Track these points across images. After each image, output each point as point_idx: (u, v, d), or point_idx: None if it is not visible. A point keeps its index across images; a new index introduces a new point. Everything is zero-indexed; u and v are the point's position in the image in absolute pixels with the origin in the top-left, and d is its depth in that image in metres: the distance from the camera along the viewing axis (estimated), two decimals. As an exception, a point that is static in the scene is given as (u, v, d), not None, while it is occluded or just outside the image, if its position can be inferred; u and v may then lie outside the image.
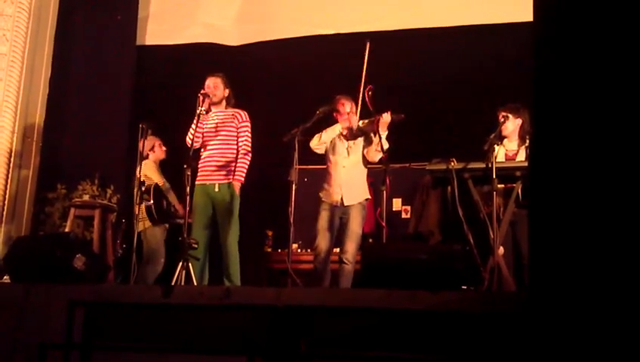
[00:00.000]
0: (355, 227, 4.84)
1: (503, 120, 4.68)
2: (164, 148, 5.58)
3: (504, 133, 4.76)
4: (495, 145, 4.43)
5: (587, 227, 1.87)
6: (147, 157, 5.43)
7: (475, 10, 6.16)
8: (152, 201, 5.14)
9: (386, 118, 4.76)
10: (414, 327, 2.65)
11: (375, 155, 4.87)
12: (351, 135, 4.98)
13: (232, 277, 4.79)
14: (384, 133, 4.77)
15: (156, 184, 5.27)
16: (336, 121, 5.06)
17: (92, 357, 2.99)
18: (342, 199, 4.88)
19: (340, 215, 4.90)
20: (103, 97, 6.67)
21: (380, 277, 3.39)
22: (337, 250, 5.04)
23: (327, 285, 4.88)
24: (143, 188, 5.11)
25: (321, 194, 4.95)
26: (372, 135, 4.89)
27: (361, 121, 4.94)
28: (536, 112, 2.08)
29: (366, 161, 4.99)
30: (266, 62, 6.71)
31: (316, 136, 5.01)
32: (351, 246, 4.80)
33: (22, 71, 6.32)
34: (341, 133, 5.02)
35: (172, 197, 5.36)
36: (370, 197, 5.05)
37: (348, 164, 4.97)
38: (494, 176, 4.23)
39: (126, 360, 3.02)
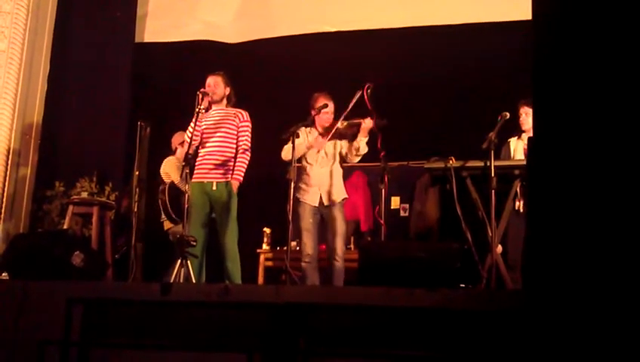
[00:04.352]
0: (340, 225, 4.85)
1: (524, 114, 4.76)
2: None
3: (524, 127, 4.82)
4: (513, 139, 4.45)
5: (584, 225, 1.88)
6: (175, 151, 5.48)
7: (475, 8, 6.18)
8: (167, 201, 5.14)
9: (368, 123, 4.74)
10: (413, 325, 2.66)
11: (353, 158, 4.90)
12: (328, 135, 4.96)
13: (233, 276, 4.78)
14: (364, 139, 4.77)
15: (172, 182, 5.28)
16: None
17: (90, 354, 2.99)
18: (321, 199, 4.87)
19: (320, 214, 4.90)
20: (102, 94, 6.68)
21: (379, 274, 3.40)
22: (322, 246, 5.03)
23: (318, 284, 4.87)
24: (161, 187, 5.16)
25: (298, 195, 4.89)
26: (350, 137, 4.87)
27: (340, 122, 4.90)
28: (535, 111, 2.09)
29: (342, 161, 4.98)
30: (264, 60, 6.71)
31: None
32: (339, 244, 4.81)
33: (20, 68, 6.33)
34: (319, 133, 4.99)
35: None
36: (347, 196, 5.05)
37: (325, 164, 4.95)
38: (493, 175, 4.23)
39: (124, 357, 3.02)
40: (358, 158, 4.89)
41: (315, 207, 4.88)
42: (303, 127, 4.91)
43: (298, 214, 4.85)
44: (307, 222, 4.85)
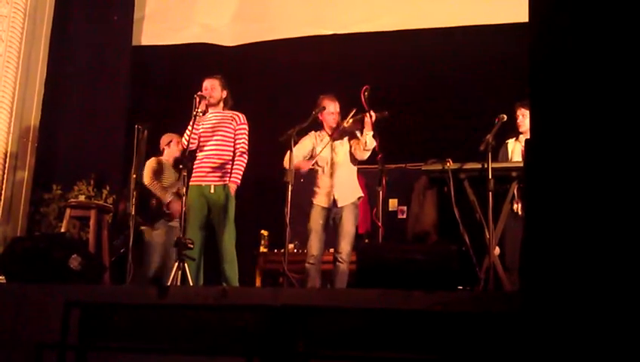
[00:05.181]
0: (349, 226, 4.83)
1: (521, 116, 4.75)
2: (180, 147, 5.49)
3: (521, 129, 4.82)
4: (511, 140, 4.45)
5: (582, 227, 1.88)
6: (163, 151, 5.45)
7: (473, 10, 6.20)
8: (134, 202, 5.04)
9: (370, 117, 4.76)
10: (411, 327, 2.66)
11: (362, 154, 4.87)
12: (337, 135, 4.96)
13: (230, 278, 4.78)
14: (370, 132, 4.77)
15: (142, 184, 5.20)
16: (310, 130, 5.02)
17: (87, 357, 2.99)
18: (334, 200, 4.86)
19: (332, 216, 4.89)
20: (99, 97, 6.69)
21: (377, 277, 3.40)
22: (331, 250, 5.03)
23: (318, 286, 4.87)
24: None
25: (312, 198, 4.90)
26: (357, 134, 4.89)
27: (345, 121, 4.92)
28: (532, 113, 2.09)
29: (354, 160, 4.98)
30: (261, 63, 6.72)
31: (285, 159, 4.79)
32: (345, 246, 4.79)
33: (17, 71, 6.32)
34: (327, 134, 5.00)
35: (164, 196, 5.19)
36: (362, 194, 5.03)
37: (336, 164, 4.95)
38: (490, 177, 4.24)
39: (121, 360, 3.02)
40: (367, 153, 4.85)
41: (325, 208, 4.87)
42: (313, 131, 4.92)
43: (309, 215, 4.86)
44: (316, 223, 4.84)
